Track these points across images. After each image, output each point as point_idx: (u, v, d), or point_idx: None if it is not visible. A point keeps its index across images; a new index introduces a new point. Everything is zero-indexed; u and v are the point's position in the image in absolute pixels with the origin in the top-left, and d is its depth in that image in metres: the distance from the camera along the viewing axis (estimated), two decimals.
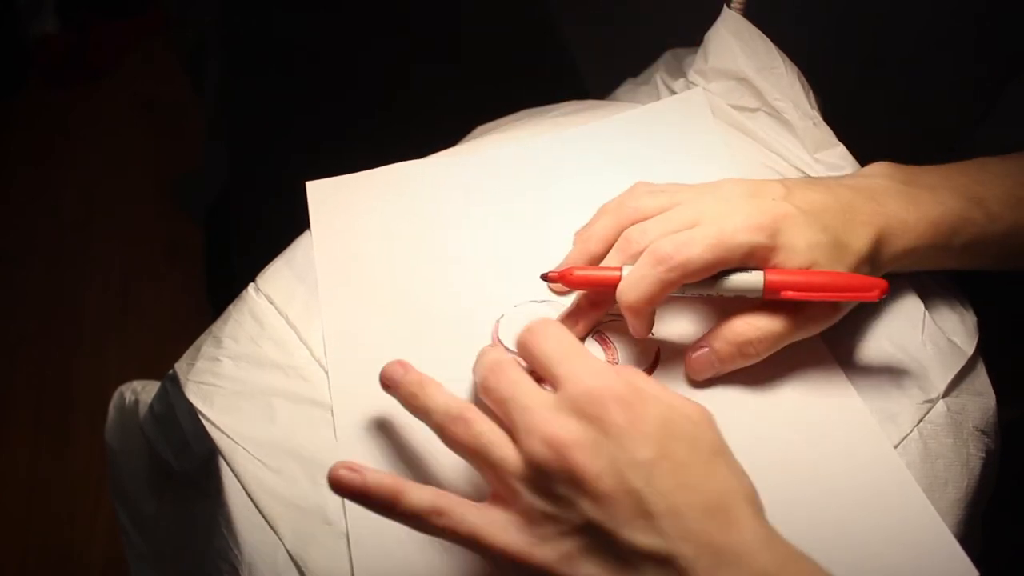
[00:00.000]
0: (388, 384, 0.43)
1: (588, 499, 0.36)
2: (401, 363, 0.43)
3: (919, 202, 0.48)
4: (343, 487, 0.39)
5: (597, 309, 0.48)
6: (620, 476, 0.36)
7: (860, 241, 0.46)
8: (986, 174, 0.51)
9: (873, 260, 0.47)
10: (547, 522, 0.37)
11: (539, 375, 0.41)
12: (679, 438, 0.37)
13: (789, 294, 0.45)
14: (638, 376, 0.39)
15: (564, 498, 0.37)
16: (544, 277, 0.48)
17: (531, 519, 0.37)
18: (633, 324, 0.46)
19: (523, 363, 0.42)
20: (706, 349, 0.47)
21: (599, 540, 0.36)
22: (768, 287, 0.45)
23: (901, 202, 0.48)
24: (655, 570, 0.35)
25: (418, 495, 0.38)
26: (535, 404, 0.38)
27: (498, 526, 0.38)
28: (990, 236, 0.49)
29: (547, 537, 0.37)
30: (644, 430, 0.37)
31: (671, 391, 0.39)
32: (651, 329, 0.47)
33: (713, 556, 0.35)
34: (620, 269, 0.46)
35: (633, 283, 0.45)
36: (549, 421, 0.37)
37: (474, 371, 0.42)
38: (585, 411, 0.37)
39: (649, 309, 0.46)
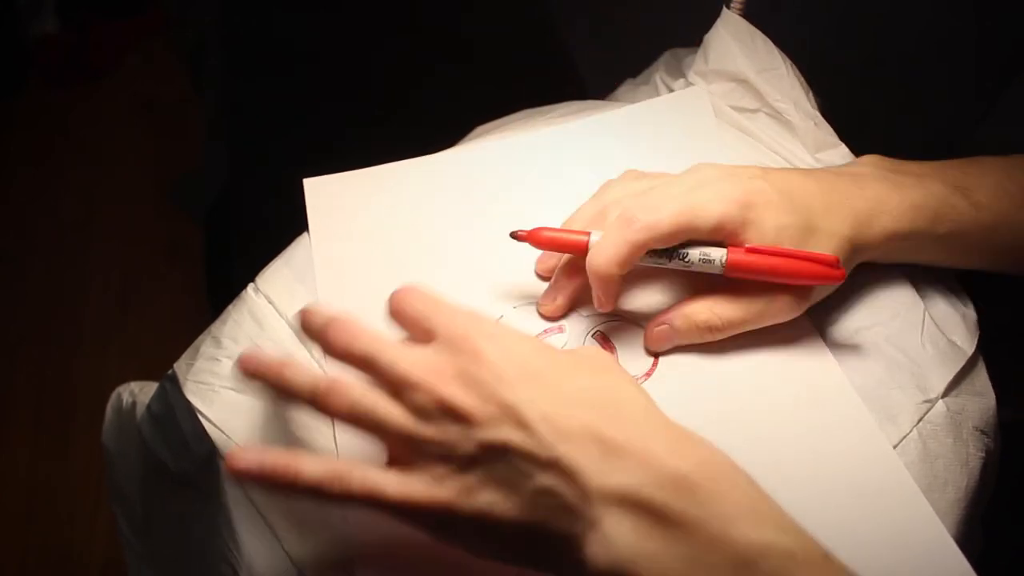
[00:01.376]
0: (248, 371, 0.41)
1: (473, 428, 0.37)
2: (255, 350, 0.44)
3: (903, 187, 0.48)
4: (238, 471, 0.38)
5: (574, 279, 0.49)
6: (494, 398, 0.37)
7: (837, 223, 0.46)
8: (975, 167, 0.51)
9: (853, 242, 0.47)
10: (441, 462, 0.38)
11: (417, 336, 0.41)
12: (546, 364, 0.39)
13: (747, 271, 0.45)
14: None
15: (452, 435, 0.38)
16: (513, 235, 0.48)
17: (426, 464, 0.38)
18: (599, 294, 0.47)
19: None
20: (666, 326, 0.47)
21: (492, 466, 0.37)
22: (729, 264, 0.45)
23: (885, 186, 0.48)
24: (545, 477, 0.36)
25: (313, 465, 0.38)
26: (400, 354, 0.39)
27: (396, 480, 0.38)
28: (974, 225, 0.49)
29: (443, 476, 0.38)
30: (513, 356, 0.38)
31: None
32: (616, 301, 0.48)
33: (599, 449, 0.36)
34: (588, 233, 0.46)
35: (600, 246, 0.45)
36: (417, 364, 0.38)
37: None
38: (458, 348, 0.39)
39: (616, 275, 0.45)
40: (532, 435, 0.37)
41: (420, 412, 0.38)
